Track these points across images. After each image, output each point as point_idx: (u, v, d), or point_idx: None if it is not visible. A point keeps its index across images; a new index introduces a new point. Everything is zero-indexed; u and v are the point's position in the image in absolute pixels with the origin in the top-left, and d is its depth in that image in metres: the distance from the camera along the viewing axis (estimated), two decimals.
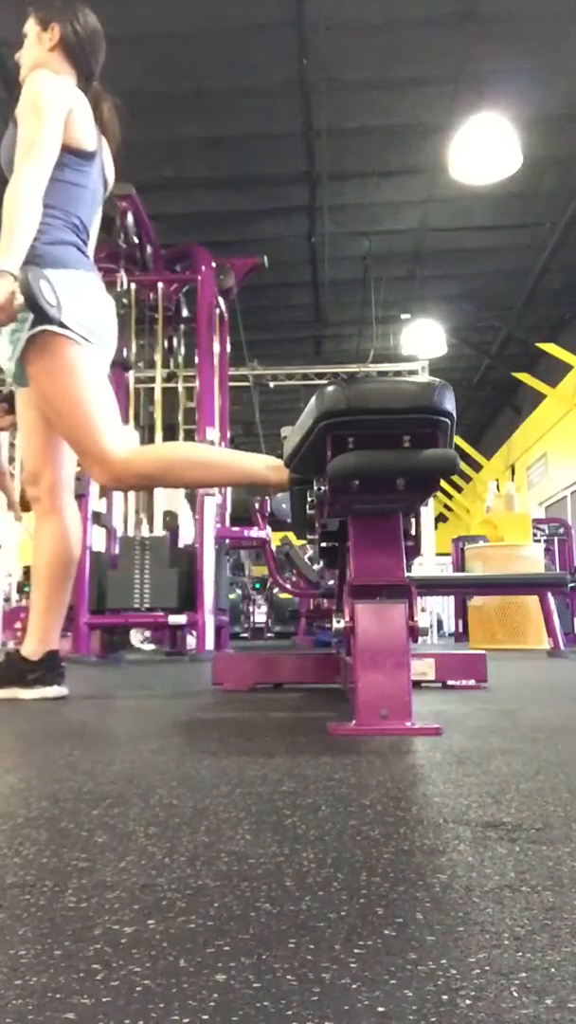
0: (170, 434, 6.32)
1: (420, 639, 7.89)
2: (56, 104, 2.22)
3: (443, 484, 1.66)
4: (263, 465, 2.27)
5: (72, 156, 2.28)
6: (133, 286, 5.89)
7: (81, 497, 5.49)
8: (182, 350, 6.71)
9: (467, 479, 17.01)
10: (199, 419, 6.07)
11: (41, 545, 2.41)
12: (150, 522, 6.40)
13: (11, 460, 7.50)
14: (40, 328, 2.18)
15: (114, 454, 2.27)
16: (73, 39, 2.38)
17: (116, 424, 2.35)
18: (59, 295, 2.16)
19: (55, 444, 2.42)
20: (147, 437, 6.18)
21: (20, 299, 2.08)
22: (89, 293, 2.30)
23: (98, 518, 5.76)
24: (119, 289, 5.66)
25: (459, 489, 17.65)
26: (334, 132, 7.22)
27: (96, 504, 5.70)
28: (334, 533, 2.13)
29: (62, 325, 2.18)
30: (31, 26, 2.41)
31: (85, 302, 2.26)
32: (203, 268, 6.15)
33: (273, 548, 4.78)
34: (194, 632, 5.61)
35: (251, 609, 13.98)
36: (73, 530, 2.44)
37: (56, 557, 2.39)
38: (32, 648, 2.39)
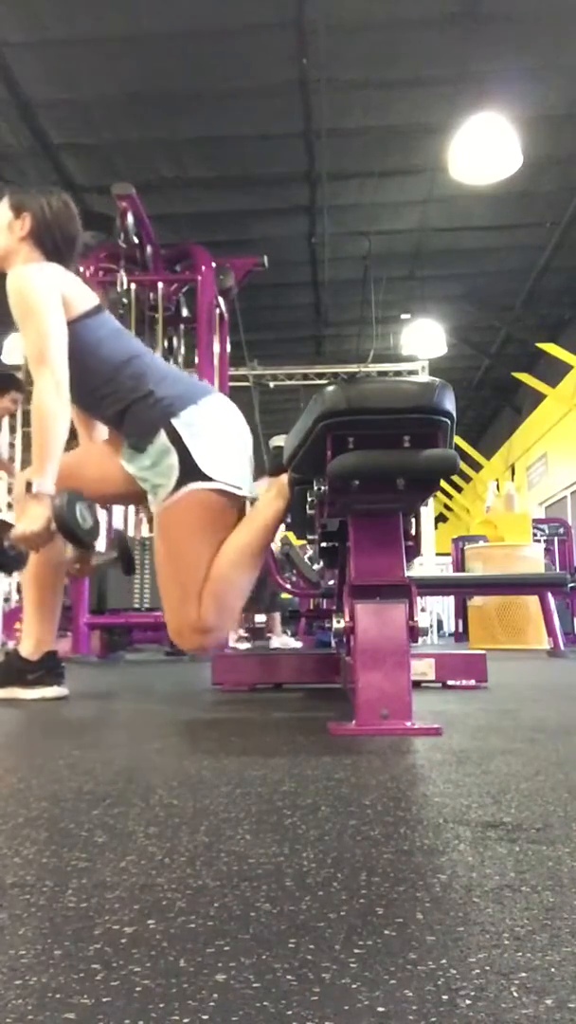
0: None
1: (420, 639, 7.89)
2: (47, 297, 2.13)
3: (443, 484, 1.66)
4: (270, 501, 2.17)
5: (89, 319, 2.22)
6: (133, 286, 5.88)
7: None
8: (182, 350, 6.71)
9: (467, 479, 17.01)
10: None
11: None
12: (150, 522, 6.39)
13: (11, 460, 7.50)
14: (191, 488, 2.07)
15: (211, 618, 2.08)
16: (43, 227, 2.30)
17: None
18: (202, 439, 2.08)
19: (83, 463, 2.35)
20: None
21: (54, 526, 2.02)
22: (226, 425, 2.20)
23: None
24: (119, 289, 5.65)
25: (459, 489, 17.65)
26: (334, 132, 7.21)
27: None
28: (334, 533, 2.13)
29: (205, 477, 2.07)
30: (4, 212, 2.31)
31: (227, 440, 2.16)
32: (203, 268, 6.14)
33: (273, 548, 4.77)
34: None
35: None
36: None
37: (45, 558, 2.38)
38: (30, 649, 2.39)
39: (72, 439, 2.25)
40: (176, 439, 2.08)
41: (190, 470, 2.07)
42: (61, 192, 2.39)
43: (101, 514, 5.60)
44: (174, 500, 2.09)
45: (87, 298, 2.26)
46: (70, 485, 2.18)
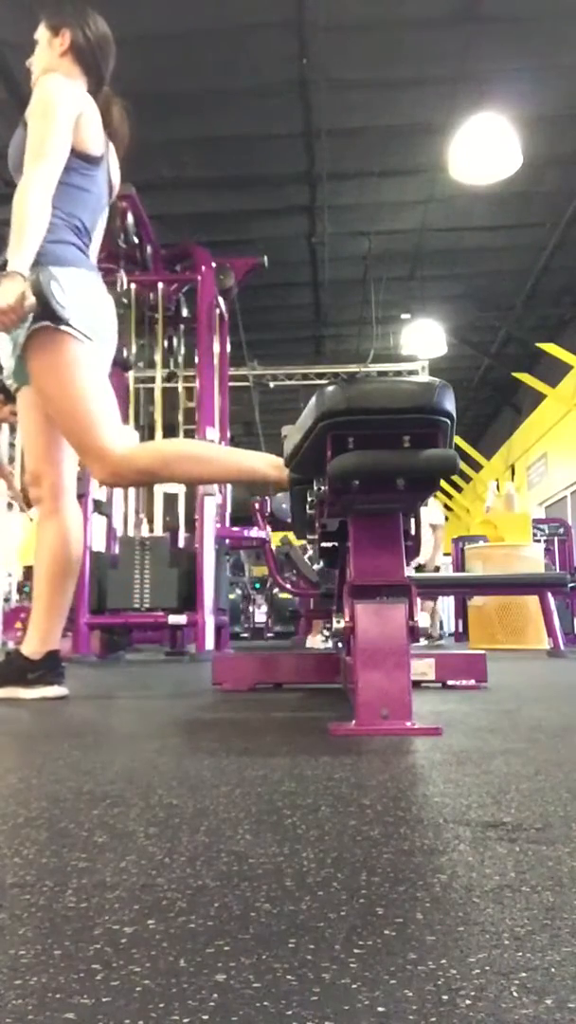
0: (170, 434, 6.32)
1: (420, 639, 7.90)
2: (66, 108, 2.25)
3: (443, 484, 1.66)
4: (263, 463, 2.27)
5: (79, 160, 2.30)
6: (133, 286, 5.89)
7: (82, 496, 5.50)
8: (182, 350, 6.71)
9: (467, 479, 17.01)
10: (199, 419, 6.07)
11: (43, 545, 2.41)
12: (150, 522, 6.40)
13: (11, 460, 7.49)
14: (40, 324, 2.19)
15: (114, 450, 2.28)
16: (83, 44, 2.42)
17: (116, 421, 2.36)
18: (59, 289, 2.17)
19: (57, 444, 2.42)
20: (147, 437, 6.17)
21: (31, 300, 2.10)
22: (89, 291, 2.31)
23: (99, 506, 5.76)
24: (119, 289, 5.66)
25: (459, 489, 17.65)
26: (334, 132, 7.22)
27: (97, 494, 5.71)
28: (334, 533, 2.13)
29: (62, 322, 2.19)
30: (42, 32, 2.43)
31: (85, 300, 2.27)
32: (203, 268, 6.14)
33: (273, 548, 4.77)
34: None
35: (251, 609, 13.99)
36: (75, 530, 2.44)
37: (58, 557, 2.40)
38: (33, 648, 2.39)
39: None
40: (37, 284, 2.13)
41: (46, 312, 2.16)
42: (100, 19, 2.52)
43: (102, 520, 5.61)
44: (33, 346, 2.22)
45: (95, 142, 2.35)
46: (43, 457, 2.41)
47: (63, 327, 2.20)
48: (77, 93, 2.32)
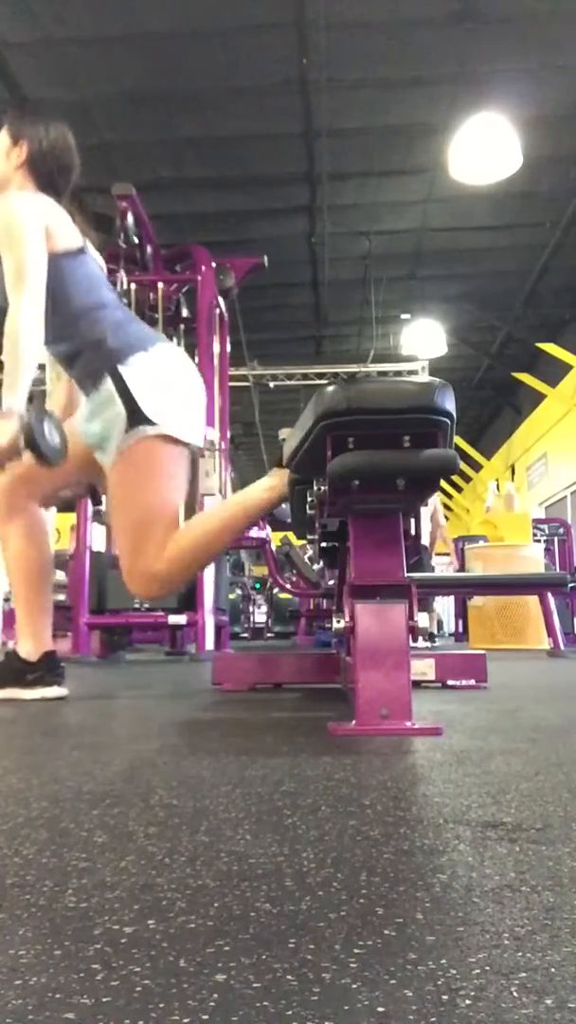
0: None
1: (420, 639, 7.89)
2: (31, 225, 2.14)
3: (443, 484, 1.66)
4: (261, 490, 2.20)
5: (66, 259, 2.23)
6: (133, 286, 5.88)
7: (80, 498, 5.49)
8: (182, 350, 6.71)
9: (467, 479, 17.01)
10: None
11: (9, 550, 2.39)
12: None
13: None
14: (137, 435, 2.10)
15: (160, 573, 2.14)
16: (40, 158, 2.32)
17: (172, 532, 2.21)
18: (149, 385, 2.11)
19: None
20: None
21: (20, 444, 2.02)
22: (176, 372, 2.23)
23: (98, 516, 5.76)
24: (119, 289, 5.65)
25: (459, 489, 17.65)
26: (334, 132, 7.22)
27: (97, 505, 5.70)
28: (334, 533, 2.13)
29: (151, 422, 2.09)
30: (2, 139, 2.33)
31: (176, 387, 2.19)
32: (203, 268, 6.14)
33: (273, 548, 4.77)
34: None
35: (251, 609, 13.99)
36: (39, 527, 2.42)
37: (25, 558, 2.38)
38: (28, 649, 2.39)
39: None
40: (121, 386, 2.09)
41: (136, 416, 2.09)
42: (60, 122, 2.40)
43: (102, 513, 5.61)
44: (123, 450, 2.13)
45: (72, 237, 2.27)
46: (29, 476, 2.27)
47: (158, 430, 2.10)
48: (36, 206, 2.22)
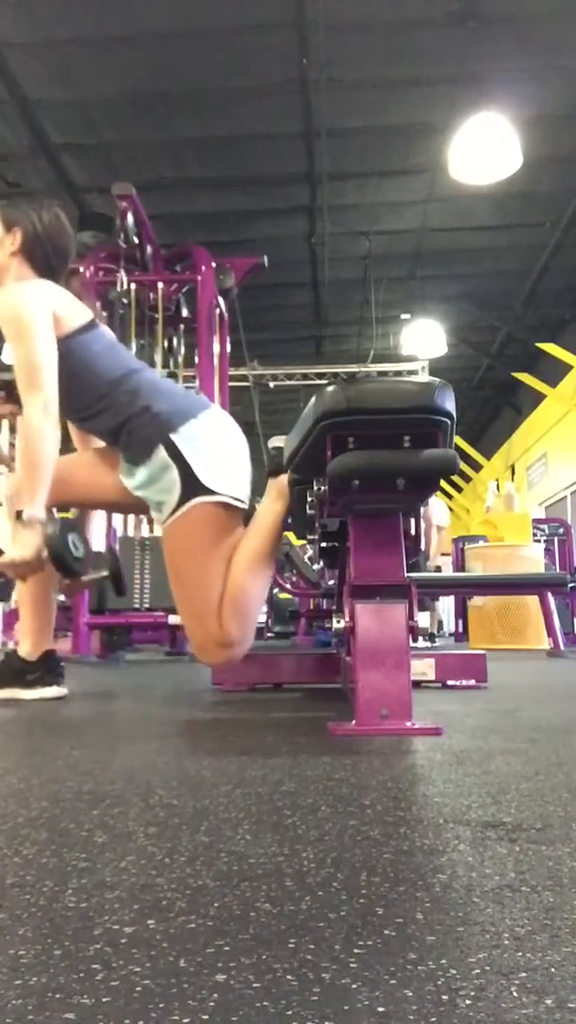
0: None
1: (420, 639, 7.89)
2: (38, 316, 2.10)
3: (443, 484, 1.66)
4: (271, 504, 2.16)
5: (82, 335, 2.19)
6: (133, 286, 5.88)
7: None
8: (182, 350, 6.71)
9: (467, 479, 17.01)
10: None
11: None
12: (150, 522, 6.39)
13: (12, 459, 7.48)
14: (196, 503, 2.04)
15: (230, 631, 2.05)
16: (34, 244, 2.28)
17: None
18: (203, 453, 2.06)
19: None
20: None
21: (44, 555, 2.01)
22: (226, 437, 2.17)
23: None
24: (119, 289, 5.66)
25: (459, 489, 17.65)
26: (334, 132, 7.21)
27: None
28: (334, 533, 2.13)
29: (209, 491, 2.04)
30: None
31: (227, 452, 2.14)
32: (203, 268, 6.14)
33: None
34: None
35: None
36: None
37: None
38: (28, 649, 2.40)
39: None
40: (176, 454, 2.04)
41: (193, 485, 2.03)
42: (53, 204, 2.35)
43: (100, 520, 5.59)
44: (179, 516, 2.06)
45: (80, 314, 2.22)
46: (60, 490, 2.17)
47: (214, 498, 2.04)
48: (38, 291, 2.18)
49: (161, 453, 2.05)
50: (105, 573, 2.59)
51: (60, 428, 2.12)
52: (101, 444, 2.37)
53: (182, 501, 2.04)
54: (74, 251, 2.38)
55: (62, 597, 6.43)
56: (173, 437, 2.05)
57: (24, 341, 2.08)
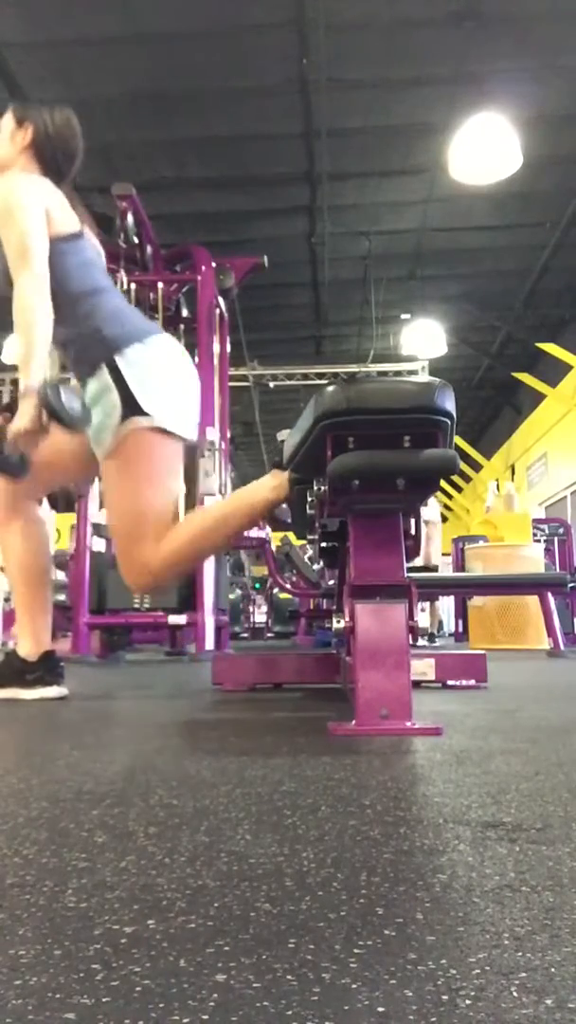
0: None
1: (429, 639, 7.90)
2: (31, 205, 2.16)
3: (443, 484, 1.66)
4: (267, 491, 2.19)
5: (64, 243, 2.23)
6: (133, 286, 5.88)
7: (81, 498, 5.49)
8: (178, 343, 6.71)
9: (467, 479, 17.01)
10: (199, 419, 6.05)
11: (8, 552, 2.40)
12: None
13: None
14: (132, 426, 2.11)
15: (155, 564, 2.14)
16: (45, 141, 2.33)
17: (169, 525, 2.22)
18: (145, 377, 2.11)
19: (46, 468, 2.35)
20: None
21: (45, 419, 2.04)
22: (172, 365, 2.23)
23: (98, 529, 5.75)
24: (119, 289, 5.66)
25: (459, 489, 17.65)
26: (334, 132, 7.21)
27: (97, 516, 5.70)
28: (334, 533, 2.13)
29: (145, 414, 2.10)
30: (7, 121, 2.35)
31: (172, 380, 2.19)
32: (203, 268, 6.15)
33: (273, 548, 4.78)
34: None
35: (251, 609, 13.99)
36: (39, 527, 2.42)
37: (24, 560, 2.38)
38: (27, 649, 2.40)
39: None
40: (117, 376, 2.09)
41: (131, 407, 2.09)
42: (65, 108, 2.41)
43: (101, 528, 5.61)
44: (117, 441, 2.13)
45: (69, 222, 2.28)
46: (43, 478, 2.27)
47: (151, 422, 2.11)
48: (37, 185, 2.24)
49: (104, 374, 2.11)
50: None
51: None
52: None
53: (121, 422, 2.10)
54: (81, 157, 2.43)
55: (62, 597, 6.44)
56: (117, 358, 2.10)
57: (16, 224, 2.14)
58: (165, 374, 2.20)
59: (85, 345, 2.18)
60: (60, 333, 2.22)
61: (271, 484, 2.19)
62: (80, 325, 2.19)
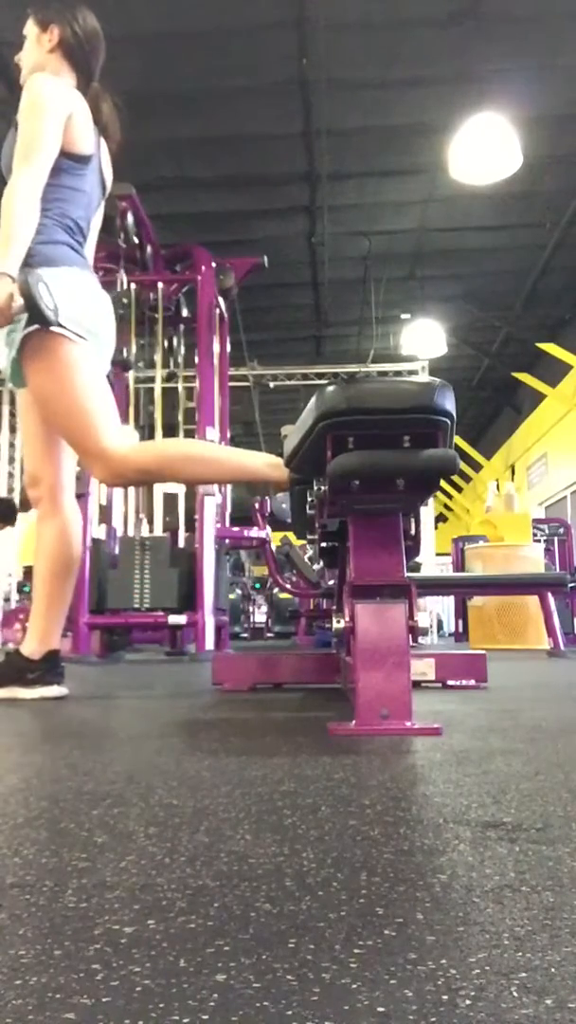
0: (170, 434, 6.32)
1: (420, 638, 7.90)
2: (55, 107, 2.23)
3: (443, 484, 1.66)
4: (263, 462, 2.27)
5: (69, 160, 2.29)
6: (133, 286, 5.88)
7: (82, 496, 5.49)
8: (182, 350, 6.71)
9: (467, 479, 17.01)
10: (199, 419, 6.07)
11: (43, 545, 2.41)
12: (150, 522, 6.40)
13: (11, 460, 7.48)
14: (32, 329, 2.19)
15: (113, 450, 2.27)
16: (72, 40, 2.39)
17: (114, 421, 2.35)
18: (55, 294, 2.17)
19: (55, 445, 2.42)
20: (147, 437, 6.18)
21: (19, 301, 2.10)
22: (84, 290, 2.30)
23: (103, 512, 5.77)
24: (119, 289, 5.66)
25: (459, 489, 17.65)
26: (334, 132, 7.21)
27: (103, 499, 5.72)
28: (334, 533, 2.13)
29: (58, 324, 2.19)
30: (30, 27, 2.41)
31: (80, 299, 2.27)
32: (203, 268, 6.15)
33: (273, 548, 4.78)
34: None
35: (251, 609, 13.99)
36: (74, 530, 2.44)
37: (58, 557, 2.40)
38: (33, 647, 2.39)
39: None
40: (26, 286, 2.13)
41: (36, 316, 2.15)
42: (89, 14, 2.46)
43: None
44: (26, 350, 2.22)
45: (85, 141, 2.33)
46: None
47: (55, 329, 2.19)
48: (66, 92, 2.30)
49: (20, 279, 2.15)
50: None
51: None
52: None
53: (25, 327, 2.18)
54: (103, 54, 2.50)
55: None
56: (28, 274, 2.14)
57: (34, 120, 2.20)
58: (70, 294, 2.25)
59: None
60: None
61: (271, 462, 2.27)
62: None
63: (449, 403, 1.52)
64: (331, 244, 9.17)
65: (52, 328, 2.19)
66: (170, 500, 6.39)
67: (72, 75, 2.39)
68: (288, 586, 4.78)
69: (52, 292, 2.16)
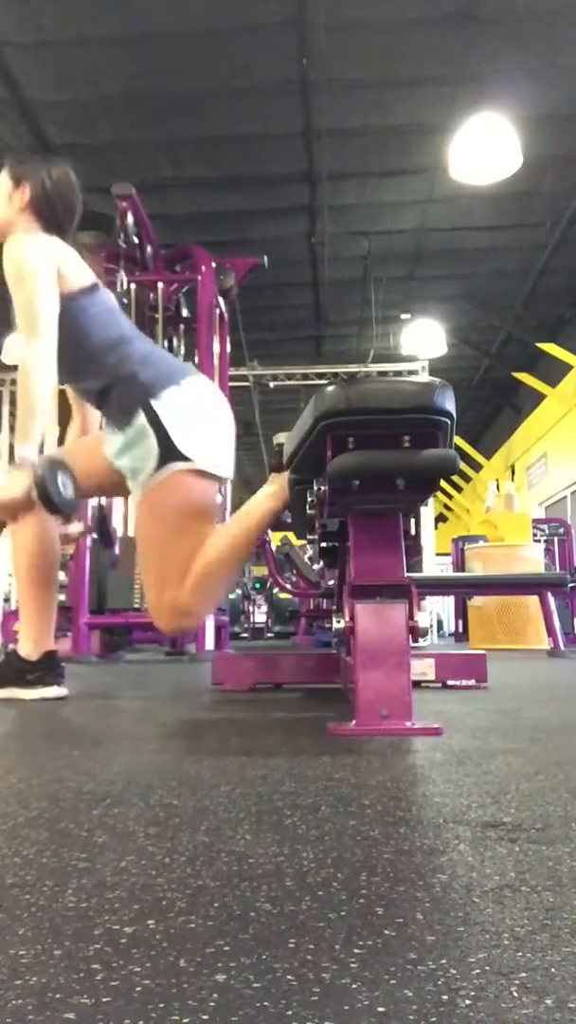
0: None
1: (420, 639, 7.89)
2: (42, 267, 2.14)
3: (443, 484, 1.66)
4: (265, 498, 2.20)
5: (82, 297, 2.22)
6: (133, 286, 5.88)
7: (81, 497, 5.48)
8: (182, 350, 6.71)
9: (467, 479, 17.01)
10: None
11: (19, 550, 2.40)
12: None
13: (11, 460, 7.46)
14: (169, 471, 2.10)
15: (189, 601, 2.13)
16: (43, 199, 2.30)
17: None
18: (182, 420, 2.11)
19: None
20: None
21: (34, 495, 2.03)
22: (208, 405, 2.22)
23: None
24: (119, 289, 5.65)
25: (459, 489, 17.64)
26: (334, 132, 7.21)
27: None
28: (334, 533, 2.13)
29: (185, 458, 2.09)
30: (3, 181, 2.32)
31: (208, 421, 2.18)
32: (203, 268, 6.14)
33: (273, 548, 4.78)
34: None
35: (251, 609, 14.00)
36: (50, 529, 2.43)
37: (36, 558, 2.39)
38: (28, 649, 2.40)
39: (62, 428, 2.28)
40: (155, 420, 2.09)
41: (169, 451, 2.09)
42: (62, 162, 2.39)
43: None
44: (154, 483, 2.12)
45: (83, 275, 2.26)
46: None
47: (189, 465, 2.09)
48: (45, 247, 2.21)
49: (140, 418, 2.10)
50: (92, 526, 2.69)
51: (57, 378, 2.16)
52: (96, 416, 2.46)
53: (159, 467, 2.09)
54: (80, 209, 2.41)
55: (62, 597, 6.43)
56: (153, 403, 2.10)
57: (26, 287, 2.12)
58: (201, 415, 2.18)
59: (121, 393, 2.17)
60: (93, 384, 2.22)
61: (268, 492, 2.20)
62: (113, 373, 2.18)
63: (449, 403, 1.52)
64: (331, 244, 9.16)
65: (184, 466, 2.08)
66: None
67: (42, 232, 2.30)
68: (288, 586, 4.78)
69: (167, 422, 2.08)
